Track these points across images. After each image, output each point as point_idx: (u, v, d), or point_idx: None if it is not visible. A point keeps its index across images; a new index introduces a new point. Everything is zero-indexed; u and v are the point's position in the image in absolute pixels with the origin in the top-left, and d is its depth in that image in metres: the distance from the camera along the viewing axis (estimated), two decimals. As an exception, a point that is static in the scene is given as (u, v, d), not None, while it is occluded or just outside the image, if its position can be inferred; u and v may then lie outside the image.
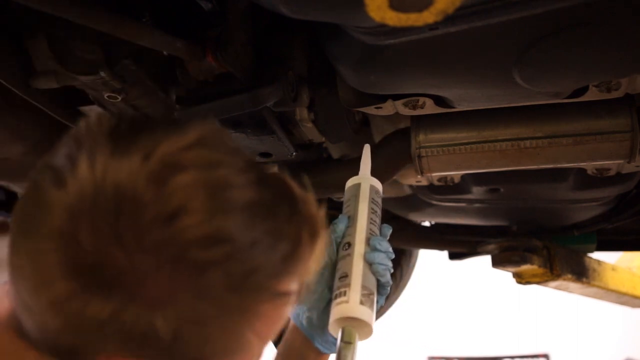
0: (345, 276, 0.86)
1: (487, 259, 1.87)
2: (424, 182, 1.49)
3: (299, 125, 1.28)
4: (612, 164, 1.27)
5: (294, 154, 1.30)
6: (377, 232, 0.93)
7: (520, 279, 1.88)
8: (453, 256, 2.10)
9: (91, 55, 0.99)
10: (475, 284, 4.61)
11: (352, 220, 0.93)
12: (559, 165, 1.28)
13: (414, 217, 1.90)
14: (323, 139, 1.35)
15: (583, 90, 1.06)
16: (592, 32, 0.81)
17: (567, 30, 0.81)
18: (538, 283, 1.87)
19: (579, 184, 1.43)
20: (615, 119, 1.17)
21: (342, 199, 1.68)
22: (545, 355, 4.59)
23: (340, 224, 0.93)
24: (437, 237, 2.02)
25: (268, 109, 1.14)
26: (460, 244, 2.01)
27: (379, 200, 0.98)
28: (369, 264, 0.87)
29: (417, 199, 1.65)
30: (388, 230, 0.94)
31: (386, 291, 0.89)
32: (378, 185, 0.99)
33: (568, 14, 0.78)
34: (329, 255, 0.89)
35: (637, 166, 1.25)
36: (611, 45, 0.86)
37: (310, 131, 1.30)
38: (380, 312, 2.34)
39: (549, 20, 0.79)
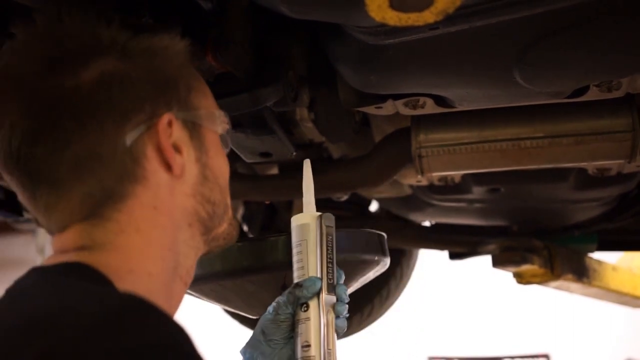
0: (308, 346, 0.84)
1: (487, 259, 1.86)
2: (424, 182, 1.49)
3: (299, 125, 1.27)
4: (613, 164, 1.27)
5: (294, 154, 1.29)
6: (334, 278, 0.86)
7: (521, 279, 1.88)
8: (453, 256, 2.10)
9: (91, 55, 0.99)
10: (475, 284, 4.61)
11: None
12: (559, 165, 1.28)
13: (414, 217, 1.89)
14: (323, 139, 1.35)
15: (584, 90, 1.06)
16: (593, 31, 0.81)
17: (568, 30, 0.81)
18: (538, 283, 1.87)
19: (580, 184, 1.43)
20: (616, 119, 1.17)
21: (342, 199, 1.67)
22: (546, 356, 4.58)
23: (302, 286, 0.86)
24: (437, 237, 2.02)
25: (268, 109, 1.14)
26: (460, 243, 2.01)
27: (332, 240, 0.87)
28: (333, 318, 0.85)
29: (418, 199, 1.65)
30: (342, 276, 0.89)
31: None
32: (329, 220, 0.87)
33: (569, 13, 0.78)
34: (284, 314, 0.86)
35: (638, 166, 1.25)
36: (612, 45, 0.86)
37: (310, 131, 1.30)
38: (378, 312, 2.35)
39: (549, 20, 0.79)
